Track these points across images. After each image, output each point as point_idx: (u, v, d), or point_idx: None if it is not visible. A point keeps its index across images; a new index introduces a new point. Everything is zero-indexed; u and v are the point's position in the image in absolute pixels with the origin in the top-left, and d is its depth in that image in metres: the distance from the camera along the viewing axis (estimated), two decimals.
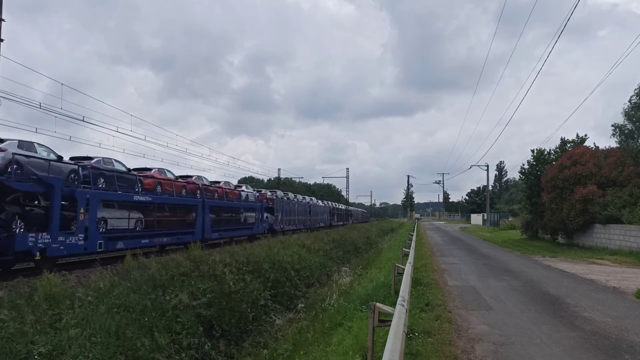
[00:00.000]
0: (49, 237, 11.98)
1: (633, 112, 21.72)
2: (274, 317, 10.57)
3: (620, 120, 22.69)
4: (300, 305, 11.29)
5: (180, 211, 19.55)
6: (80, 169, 14.73)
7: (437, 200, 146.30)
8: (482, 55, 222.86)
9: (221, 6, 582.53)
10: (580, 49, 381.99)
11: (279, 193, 36.38)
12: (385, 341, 3.73)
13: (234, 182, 39.54)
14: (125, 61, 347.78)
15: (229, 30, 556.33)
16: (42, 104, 16.77)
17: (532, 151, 29.72)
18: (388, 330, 3.99)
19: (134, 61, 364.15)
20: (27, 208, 12.37)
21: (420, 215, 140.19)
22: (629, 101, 22.08)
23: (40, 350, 5.82)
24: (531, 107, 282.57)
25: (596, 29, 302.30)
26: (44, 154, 13.91)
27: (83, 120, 19.02)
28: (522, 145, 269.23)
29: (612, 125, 23.10)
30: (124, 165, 18.08)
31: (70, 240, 12.83)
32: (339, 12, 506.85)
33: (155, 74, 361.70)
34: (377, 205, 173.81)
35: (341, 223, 66.51)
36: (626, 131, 22.38)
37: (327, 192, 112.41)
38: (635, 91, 21.86)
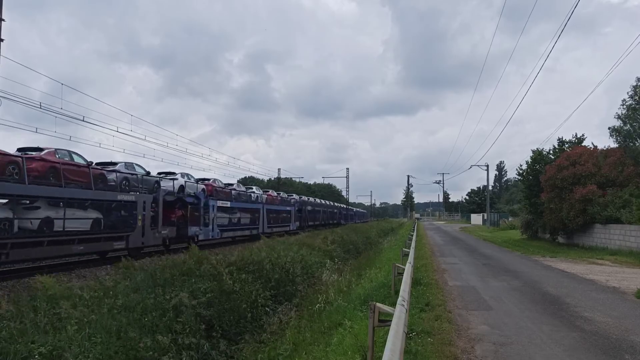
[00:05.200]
0: None
1: (630, 114, 21.78)
2: (272, 316, 10.57)
3: (617, 122, 22.83)
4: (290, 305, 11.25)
5: None
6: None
7: (437, 200, 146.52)
8: (487, 52, 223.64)
9: (221, 3, 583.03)
10: (587, 46, 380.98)
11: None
12: (385, 341, 3.73)
13: (233, 182, 39.41)
14: (124, 59, 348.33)
15: (229, 28, 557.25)
16: (42, 104, 16.76)
17: (533, 151, 29.83)
18: (388, 330, 3.99)
19: (133, 59, 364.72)
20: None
21: (421, 215, 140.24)
22: (623, 104, 22.17)
23: (40, 350, 5.82)
24: (534, 106, 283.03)
25: (604, 25, 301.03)
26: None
27: (83, 120, 19.02)
28: (524, 144, 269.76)
29: (609, 128, 23.21)
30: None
31: None
32: (341, 9, 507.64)
33: (155, 72, 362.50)
34: (377, 205, 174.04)
35: (334, 222, 57.75)
36: (624, 132, 22.43)
37: (327, 192, 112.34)
38: (629, 93, 21.93)
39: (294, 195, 46.96)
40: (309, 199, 52.55)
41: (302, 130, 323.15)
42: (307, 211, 45.90)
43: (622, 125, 22.45)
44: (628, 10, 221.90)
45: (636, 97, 21.62)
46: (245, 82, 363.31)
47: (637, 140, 22.02)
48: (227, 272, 11.10)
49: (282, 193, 43.13)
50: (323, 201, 61.45)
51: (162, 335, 7.29)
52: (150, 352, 6.76)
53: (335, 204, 71.07)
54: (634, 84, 21.73)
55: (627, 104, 21.99)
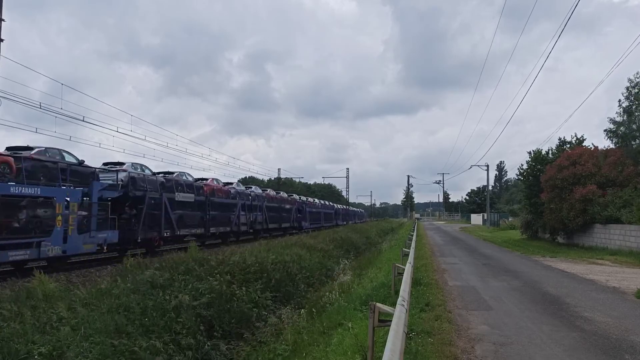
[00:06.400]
0: None
1: (625, 117, 21.89)
2: (272, 317, 10.57)
3: (612, 125, 22.99)
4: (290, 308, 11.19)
5: None
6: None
7: (437, 200, 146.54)
8: (488, 52, 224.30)
9: (221, 3, 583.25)
10: (589, 46, 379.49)
11: None
12: (385, 341, 3.73)
13: (233, 182, 38.86)
14: (124, 59, 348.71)
15: (229, 28, 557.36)
16: (41, 104, 16.75)
17: (529, 153, 29.97)
18: (388, 330, 3.98)
19: (133, 59, 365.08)
20: None
21: (420, 215, 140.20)
22: (620, 104, 22.26)
23: (40, 350, 5.82)
24: (534, 105, 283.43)
25: (605, 25, 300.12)
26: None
27: (83, 120, 19.00)
28: (524, 144, 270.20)
29: (605, 130, 23.35)
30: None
31: None
32: (341, 8, 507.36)
33: (155, 71, 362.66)
34: (378, 205, 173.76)
35: (284, 226, 35.81)
36: (620, 133, 22.52)
37: (327, 192, 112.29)
38: (624, 95, 22.04)
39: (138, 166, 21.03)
40: (184, 179, 23.90)
41: (302, 130, 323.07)
42: (165, 204, 20.14)
43: (616, 128, 22.60)
44: (629, 9, 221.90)
45: (631, 98, 21.71)
46: (245, 82, 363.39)
47: (635, 141, 22.10)
48: (227, 272, 11.10)
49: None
50: (256, 190, 33.11)
51: (162, 336, 7.29)
52: (150, 353, 6.76)
53: (295, 196, 43.58)
54: (627, 85, 21.90)
55: (623, 105, 22.11)
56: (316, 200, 52.94)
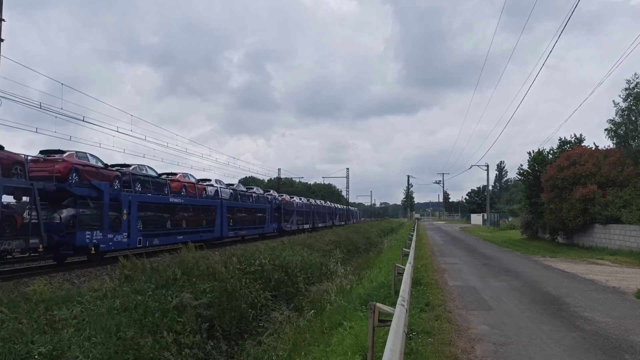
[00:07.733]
0: None
1: (627, 115, 21.94)
2: (275, 317, 10.57)
3: (611, 125, 23.05)
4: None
5: None
6: None
7: (437, 200, 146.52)
8: (490, 51, 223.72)
9: (221, 3, 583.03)
10: (590, 45, 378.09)
11: None
12: (385, 341, 3.73)
13: (234, 182, 38.46)
14: (124, 58, 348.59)
15: (229, 27, 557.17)
16: (41, 104, 16.75)
17: (529, 153, 29.92)
18: (388, 330, 3.99)
19: (133, 58, 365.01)
20: None
21: (420, 215, 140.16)
22: (615, 105, 22.34)
23: (40, 350, 5.82)
24: (535, 105, 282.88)
25: (607, 24, 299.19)
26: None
27: (83, 120, 19.00)
28: (524, 144, 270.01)
29: (605, 130, 23.40)
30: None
31: None
32: (341, 8, 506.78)
33: (155, 71, 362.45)
34: (378, 205, 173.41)
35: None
36: (620, 131, 22.54)
37: (327, 192, 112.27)
38: (621, 96, 22.08)
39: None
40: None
41: (302, 130, 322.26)
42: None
43: (616, 128, 22.63)
44: (631, 8, 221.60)
45: (629, 99, 21.73)
46: (245, 82, 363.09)
47: (634, 141, 22.13)
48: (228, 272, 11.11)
49: None
50: None
51: (162, 335, 7.29)
52: (151, 353, 6.76)
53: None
54: (626, 86, 21.94)
55: (621, 106, 22.17)
56: (190, 175, 24.43)
